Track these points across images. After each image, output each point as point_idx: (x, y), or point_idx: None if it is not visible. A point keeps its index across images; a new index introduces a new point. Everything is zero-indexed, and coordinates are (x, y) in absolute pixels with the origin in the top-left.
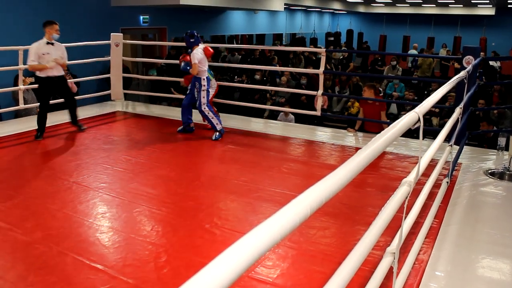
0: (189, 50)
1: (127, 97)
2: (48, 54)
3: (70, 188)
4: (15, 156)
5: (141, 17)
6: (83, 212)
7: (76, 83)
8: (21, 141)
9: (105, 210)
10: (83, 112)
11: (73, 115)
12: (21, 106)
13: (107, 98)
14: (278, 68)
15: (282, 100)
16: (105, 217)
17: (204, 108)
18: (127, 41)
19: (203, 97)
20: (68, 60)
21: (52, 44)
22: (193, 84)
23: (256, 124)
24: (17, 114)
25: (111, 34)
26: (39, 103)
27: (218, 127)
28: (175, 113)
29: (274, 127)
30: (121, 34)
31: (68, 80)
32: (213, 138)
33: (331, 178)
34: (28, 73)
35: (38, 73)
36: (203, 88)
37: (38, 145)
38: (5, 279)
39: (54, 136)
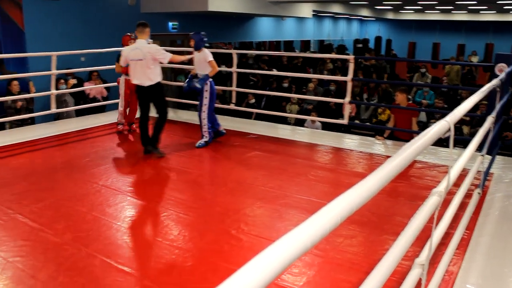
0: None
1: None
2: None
3: (99, 191)
4: (48, 159)
5: (170, 23)
6: (111, 215)
7: (106, 88)
8: (56, 143)
9: (133, 213)
10: (112, 117)
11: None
12: (53, 110)
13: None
14: (306, 75)
15: (309, 107)
16: (133, 221)
17: (203, 112)
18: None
19: (205, 104)
20: (99, 66)
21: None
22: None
23: (283, 131)
24: (59, 117)
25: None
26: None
27: (206, 139)
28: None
29: (301, 134)
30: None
31: (99, 85)
32: (197, 144)
33: (362, 186)
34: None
35: (158, 78)
36: (205, 92)
37: (69, 148)
38: (36, 278)
39: (85, 140)
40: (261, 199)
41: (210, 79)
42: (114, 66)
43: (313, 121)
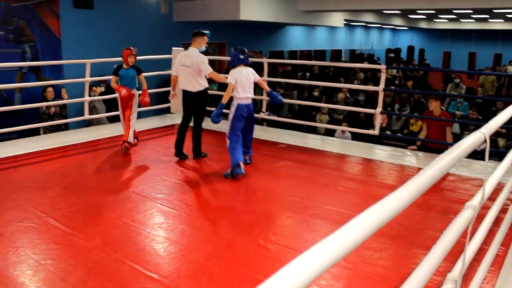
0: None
1: None
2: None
3: (129, 198)
4: (80, 164)
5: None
6: (140, 221)
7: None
8: (87, 149)
9: (162, 220)
10: (143, 124)
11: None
12: (86, 116)
13: (166, 111)
14: (336, 85)
15: (340, 117)
16: (162, 228)
17: (227, 138)
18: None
19: (228, 127)
20: None
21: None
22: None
23: (313, 141)
24: (89, 123)
25: (173, 48)
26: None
27: (234, 163)
28: None
29: (331, 144)
30: (182, 48)
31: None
32: (225, 174)
33: (393, 198)
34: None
35: (203, 85)
36: (230, 116)
37: (100, 154)
38: (67, 282)
39: (116, 146)
40: (289, 209)
41: (239, 102)
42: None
43: (343, 131)
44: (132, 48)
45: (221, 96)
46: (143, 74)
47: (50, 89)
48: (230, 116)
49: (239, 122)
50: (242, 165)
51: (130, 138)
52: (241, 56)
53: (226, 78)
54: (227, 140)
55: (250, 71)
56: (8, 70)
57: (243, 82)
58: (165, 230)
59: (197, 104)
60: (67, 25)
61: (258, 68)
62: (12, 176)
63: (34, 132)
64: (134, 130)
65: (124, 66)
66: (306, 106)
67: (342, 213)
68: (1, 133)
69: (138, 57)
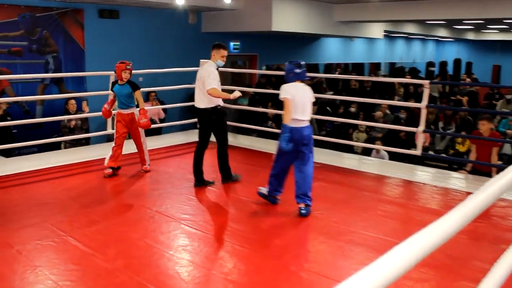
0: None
1: None
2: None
3: (152, 217)
4: (101, 181)
5: (232, 44)
6: (164, 243)
7: (164, 110)
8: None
9: (187, 242)
10: (167, 140)
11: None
12: (109, 131)
13: (193, 125)
14: (376, 101)
15: (379, 135)
16: (186, 250)
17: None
18: None
19: (275, 155)
20: (157, 86)
21: (217, 69)
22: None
23: (349, 160)
24: (109, 138)
25: (201, 60)
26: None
27: (267, 191)
28: (264, 145)
29: (369, 164)
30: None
31: (156, 107)
32: (259, 191)
33: (438, 226)
34: None
35: (218, 101)
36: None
37: (122, 171)
38: None
39: (139, 163)
40: (323, 234)
41: (291, 126)
42: (172, 87)
43: (377, 151)
44: (126, 62)
45: (252, 113)
46: (140, 90)
47: (73, 101)
48: (279, 141)
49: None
50: (278, 197)
51: (147, 162)
52: (297, 70)
53: (231, 93)
54: (272, 170)
55: (308, 89)
56: (31, 81)
57: (297, 100)
58: (190, 253)
59: (211, 123)
60: (92, 36)
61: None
62: (31, 191)
63: (55, 146)
64: (118, 156)
65: (119, 82)
66: (342, 123)
67: (380, 240)
68: (21, 146)
69: (165, 70)
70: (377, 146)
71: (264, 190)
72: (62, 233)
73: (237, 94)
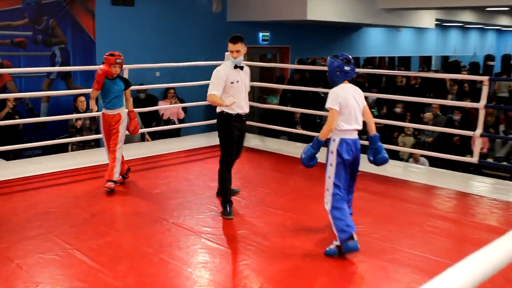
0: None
1: None
2: (237, 83)
3: (168, 230)
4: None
5: (261, 34)
6: (181, 259)
7: (183, 109)
8: None
9: (207, 259)
10: (189, 143)
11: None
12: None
13: (215, 128)
14: (426, 100)
15: (428, 140)
16: (207, 268)
17: (327, 193)
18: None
19: (329, 177)
20: (177, 82)
21: (242, 68)
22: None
23: (394, 168)
24: None
25: (226, 53)
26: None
27: (336, 242)
28: (295, 149)
29: (416, 173)
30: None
31: (174, 105)
32: (327, 251)
33: (499, 245)
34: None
35: (222, 108)
36: (330, 158)
37: (137, 177)
38: None
39: (154, 168)
40: (364, 252)
41: (341, 137)
42: (192, 83)
43: (415, 158)
44: (116, 53)
45: (282, 113)
46: (130, 87)
47: (82, 98)
48: (330, 160)
49: (344, 168)
50: (355, 236)
51: (116, 176)
52: (347, 68)
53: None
54: (326, 199)
55: (358, 91)
56: (35, 75)
57: (350, 107)
58: (211, 270)
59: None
60: (103, 25)
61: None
62: (34, 199)
63: (62, 149)
64: (123, 160)
65: (108, 77)
66: (386, 125)
67: (429, 260)
68: (23, 148)
69: (186, 63)
70: (427, 152)
71: (332, 246)
72: (67, 246)
73: (230, 101)
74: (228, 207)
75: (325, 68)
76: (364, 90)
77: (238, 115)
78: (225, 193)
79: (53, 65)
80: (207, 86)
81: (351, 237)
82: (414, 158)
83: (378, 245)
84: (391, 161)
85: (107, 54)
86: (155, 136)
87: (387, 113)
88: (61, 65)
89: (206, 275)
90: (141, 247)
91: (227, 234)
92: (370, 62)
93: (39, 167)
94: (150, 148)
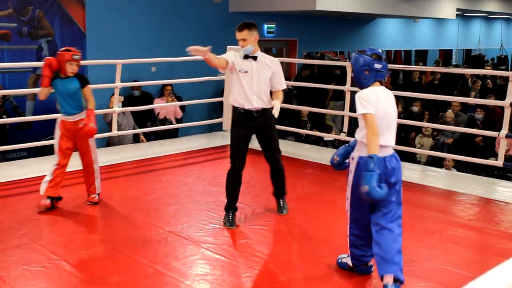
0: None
1: None
2: (246, 73)
3: (165, 239)
4: (103, 193)
5: (266, 26)
6: (179, 271)
7: (181, 108)
8: (111, 175)
9: (207, 271)
10: (187, 144)
11: (281, 192)
12: (114, 132)
13: (218, 127)
14: (445, 97)
15: (448, 141)
16: (206, 280)
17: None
18: None
19: (347, 199)
20: (174, 78)
21: (255, 58)
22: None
23: (410, 172)
24: (109, 142)
25: (227, 46)
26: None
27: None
28: (304, 152)
29: (435, 177)
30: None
31: (171, 103)
32: (339, 262)
33: None
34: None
35: (230, 100)
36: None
37: (130, 182)
38: None
39: (149, 172)
40: None
41: (360, 154)
42: (191, 80)
43: (447, 167)
44: (73, 49)
45: (288, 112)
46: (90, 86)
47: None
48: (350, 180)
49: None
50: (344, 258)
51: (98, 190)
52: (377, 65)
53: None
54: (348, 227)
55: (391, 95)
56: (20, 71)
57: (381, 115)
58: (211, 283)
59: (267, 127)
60: (95, 16)
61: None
62: (19, 205)
63: (49, 151)
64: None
65: (61, 75)
66: (402, 125)
67: (450, 273)
68: (7, 150)
69: (184, 58)
70: (447, 155)
71: (347, 258)
72: (54, 257)
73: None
74: (230, 214)
75: (338, 63)
76: (396, 88)
77: (247, 111)
78: (228, 198)
79: (39, 59)
80: (206, 83)
81: (361, 264)
82: (446, 167)
83: None
84: (407, 164)
85: (62, 49)
86: (150, 137)
87: (403, 112)
88: None
89: None
90: (136, 257)
91: (229, 243)
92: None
93: (24, 171)
94: (144, 150)
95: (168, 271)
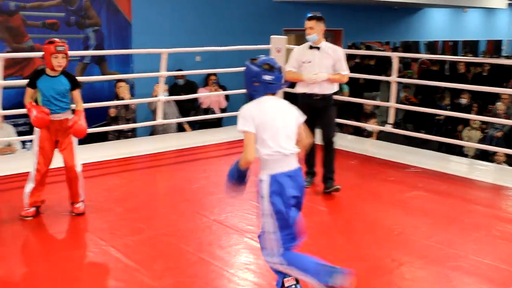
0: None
1: None
2: (309, 63)
3: (209, 228)
4: (147, 181)
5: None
6: (223, 259)
7: (226, 97)
8: (155, 163)
9: (251, 260)
10: (231, 134)
11: (329, 172)
12: (159, 121)
13: None
14: (495, 89)
15: (497, 134)
16: (250, 270)
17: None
18: (291, 46)
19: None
20: (218, 68)
21: (318, 48)
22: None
23: (457, 165)
24: (154, 131)
25: (271, 36)
26: None
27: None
28: (358, 145)
29: (483, 171)
30: (285, 37)
31: (215, 93)
32: None
33: None
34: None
35: (296, 87)
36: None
37: (175, 170)
38: None
39: (193, 161)
40: (423, 257)
41: (269, 176)
42: (236, 69)
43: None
44: (57, 40)
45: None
46: (79, 89)
47: (122, 84)
48: (265, 207)
49: (287, 211)
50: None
51: (82, 197)
52: (267, 77)
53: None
54: (275, 260)
55: (287, 104)
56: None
57: (272, 124)
58: (255, 273)
59: (324, 112)
60: (140, 6)
61: (384, 65)
62: (65, 191)
63: (98, 138)
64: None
65: (48, 72)
66: (449, 117)
67: (499, 269)
68: None
69: (227, 48)
70: (495, 148)
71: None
72: (102, 243)
73: (307, 76)
74: (307, 176)
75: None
76: (443, 79)
77: (305, 94)
78: (304, 164)
79: (86, 48)
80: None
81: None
82: (497, 161)
83: (439, 250)
84: (454, 158)
85: (46, 42)
86: (194, 126)
87: (451, 104)
88: (95, 48)
89: (250, 277)
90: (180, 245)
91: None
92: (432, 47)
93: None
94: (188, 139)
95: (212, 259)
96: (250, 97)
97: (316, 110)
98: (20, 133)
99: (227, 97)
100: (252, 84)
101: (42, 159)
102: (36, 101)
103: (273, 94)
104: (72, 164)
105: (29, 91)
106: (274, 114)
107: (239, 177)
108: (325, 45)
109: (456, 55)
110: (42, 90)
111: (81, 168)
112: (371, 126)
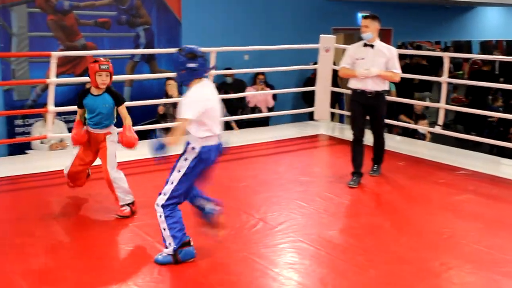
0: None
1: (334, 117)
2: (362, 60)
3: (254, 226)
4: None
5: (360, 15)
6: (267, 258)
7: (274, 97)
8: None
9: (296, 260)
10: (278, 133)
11: (377, 159)
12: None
13: (306, 117)
14: None
15: None
16: (295, 269)
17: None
18: (340, 45)
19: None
20: (266, 67)
21: (372, 46)
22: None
23: (510, 169)
24: None
25: (321, 36)
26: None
27: (171, 246)
28: (406, 146)
29: None
30: (334, 36)
31: (263, 91)
32: (157, 258)
33: None
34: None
35: (349, 83)
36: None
37: (220, 169)
38: None
39: (240, 160)
40: (472, 261)
41: (200, 146)
42: (284, 68)
43: None
44: (101, 59)
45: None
46: (125, 104)
47: (171, 82)
48: (183, 167)
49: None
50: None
51: (124, 201)
52: (191, 65)
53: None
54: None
55: (213, 87)
56: (119, 57)
57: (215, 108)
58: (299, 273)
59: (376, 108)
60: (190, 5)
61: (435, 64)
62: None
63: (143, 135)
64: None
65: (93, 91)
66: (502, 119)
67: None
68: None
69: (275, 47)
70: None
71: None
72: (148, 238)
73: (360, 73)
74: (354, 177)
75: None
76: (493, 79)
77: (362, 92)
78: (352, 165)
79: (137, 46)
80: (299, 71)
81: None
82: None
83: (489, 255)
84: (506, 161)
85: (91, 61)
86: (242, 124)
87: (504, 106)
88: (145, 47)
89: (294, 277)
90: (225, 243)
91: (318, 233)
92: (486, 46)
93: (120, 154)
94: (235, 137)
95: (257, 257)
96: (180, 83)
97: (368, 107)
98: (71, 129)
99: (274, 96)
100: (180, 72)
101: (77, 161)
102: (85, 118)
103: (200, 78)
104: (105, 168)
105: (79, 110)
106: (214, 101)
107: (162, 149)
108: (379, 43)
109: (511, 55)
110: (88, 110)
111: (117, 174)
112: (420, 127)
